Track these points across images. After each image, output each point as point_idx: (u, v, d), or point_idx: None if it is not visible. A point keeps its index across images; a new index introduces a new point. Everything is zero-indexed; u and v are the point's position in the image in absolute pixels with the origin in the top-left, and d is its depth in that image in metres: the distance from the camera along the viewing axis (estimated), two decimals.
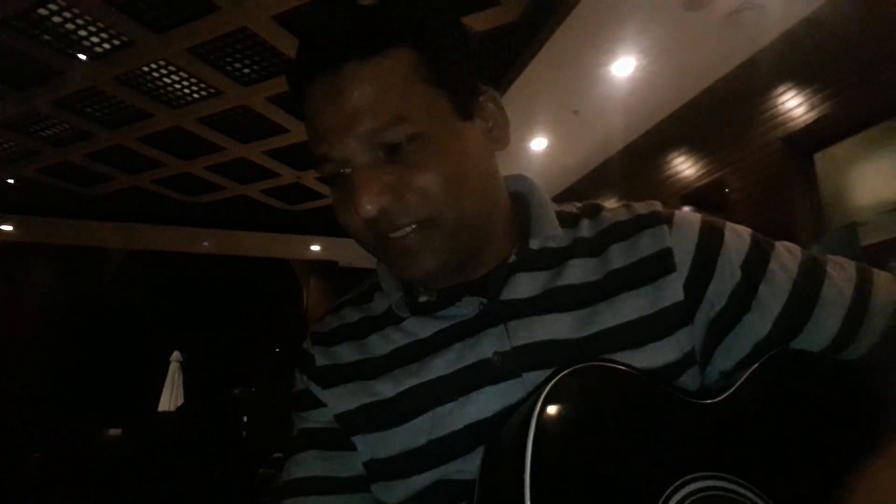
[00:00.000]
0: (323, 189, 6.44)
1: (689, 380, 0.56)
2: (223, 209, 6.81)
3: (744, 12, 3.13)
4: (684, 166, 4.26)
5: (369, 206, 0.52)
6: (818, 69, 3.15)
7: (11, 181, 5.83)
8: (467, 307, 0.59)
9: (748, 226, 0.62)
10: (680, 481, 0.46)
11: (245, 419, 6.33)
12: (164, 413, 6.98)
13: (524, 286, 0.59)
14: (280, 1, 3.36)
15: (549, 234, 0.61)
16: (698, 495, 0.46)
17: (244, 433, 6.29)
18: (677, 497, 0.46)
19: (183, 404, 7.10)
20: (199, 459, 5.27)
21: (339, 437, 0.62)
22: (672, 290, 0.57)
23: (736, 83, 3.74)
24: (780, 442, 0.51)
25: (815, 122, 3.17)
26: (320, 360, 0.65)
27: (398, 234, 0.54)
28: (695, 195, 4.16)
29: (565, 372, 0.47)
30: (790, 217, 3.33)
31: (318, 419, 0.64)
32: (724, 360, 0.57)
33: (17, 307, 6.70)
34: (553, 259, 0.60)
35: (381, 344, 0.63)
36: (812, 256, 0.59)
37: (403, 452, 0.57)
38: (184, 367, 7.34)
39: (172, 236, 7.16)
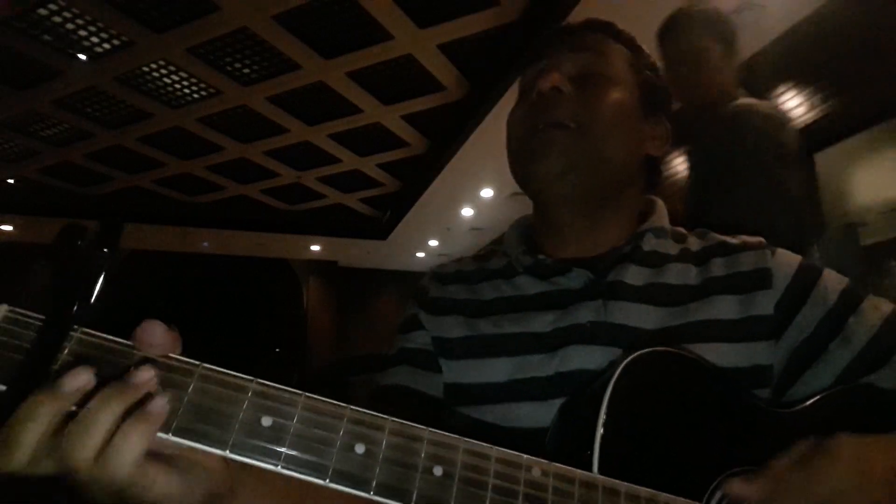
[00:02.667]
0: (323, 189, 6.44)
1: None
2: (223, 209, 6.81)
3: (744, 12, 3.13)
4: (685, 166, 4.26)
5: (555, 74, 0.67)
6: (818, 69, 3.15)
7: (11, 181, 5.83)
8: (576, 280, 0.66)
9: None
10: (735, 471, 0.50)
11: None
12: None
13: (630, 275, 0.65)
14: (280, 1, 3.36)
15: (662, 239, 0.70)
16: None
17: None
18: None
19: None
20: None
21: (429, 357, 0.70)
22: (763, 303, 0.61)
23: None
24: None
25: (815, 122, 3.16)
26: (433, 292, 0.75)
27: (551, 123, 0.66)
28: None
29: (646, 350, 0.52)
30: None
31: (415, 339, 0.72)
32: (805, 388, 0.59)
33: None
34: (660, 261, 0.68)
35: (490, 291, 0.72)
36: None
37: (483, 383, 0.64)
38: None
39: (172, 236, 7.16)
